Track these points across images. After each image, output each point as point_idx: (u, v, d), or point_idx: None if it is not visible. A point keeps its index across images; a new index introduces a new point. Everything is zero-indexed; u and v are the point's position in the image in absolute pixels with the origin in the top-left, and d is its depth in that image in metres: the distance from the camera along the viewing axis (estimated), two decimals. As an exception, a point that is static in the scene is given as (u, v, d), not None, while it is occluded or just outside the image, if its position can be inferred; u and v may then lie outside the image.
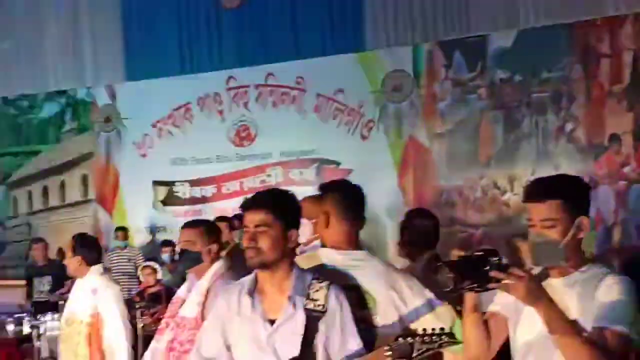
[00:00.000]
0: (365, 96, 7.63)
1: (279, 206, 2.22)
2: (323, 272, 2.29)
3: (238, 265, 3.51)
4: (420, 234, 3.46)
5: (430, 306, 2.32)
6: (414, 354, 1.91)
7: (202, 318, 3.16)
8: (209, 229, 3.36)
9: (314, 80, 7.87)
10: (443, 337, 1.93)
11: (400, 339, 1.95)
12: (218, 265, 3.31)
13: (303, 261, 2.41)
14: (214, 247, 3.32)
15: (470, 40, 7.18)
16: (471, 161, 7.18)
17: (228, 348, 2.25)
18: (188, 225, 3.39)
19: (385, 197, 6.96)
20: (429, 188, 7.34)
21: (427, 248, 3.42)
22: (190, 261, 3.30)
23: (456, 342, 1.96)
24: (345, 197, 2.46)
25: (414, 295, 2.33)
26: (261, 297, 2.22)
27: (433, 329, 1.97)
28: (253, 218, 2.19)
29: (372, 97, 7.61)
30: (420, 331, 1.99)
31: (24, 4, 9.31)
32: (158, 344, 3.31)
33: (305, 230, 3.68)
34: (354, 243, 2.44)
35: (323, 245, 2.56)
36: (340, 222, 2.42)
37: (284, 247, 2.20)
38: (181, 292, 3.41)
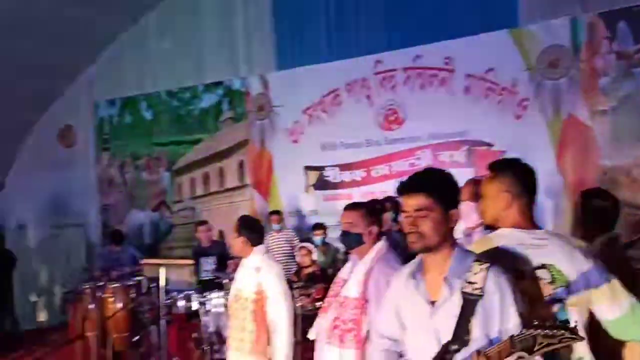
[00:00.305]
0: (519, 74, 7.31)
1: (438, 188, 2.19)
2: (492, 255, 2.24)
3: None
4: (597, 215, 3.28)
5: (607, 280, 2.23)
6: (536, 348, 1.82)
7: (364, 298, 3.24)
8: (370, 211, 3.41)
9: (463, 60, 7.66)
10: (564, 332, 1.81)
11: (524, 330, 1.87)
12: (379, 247, 3.36)
13: (476, 246, 2.37)
14: (375, 228, 3.37)
15: (637, 9, 6.63)
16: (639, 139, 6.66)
17: (403, 327, 2.30)
18: (350, 207, 3.46)
19: (543, 178, 6.61)
20: (590, 168, 6.89)
21: (605, 229, 3.24)
22: (352, 242, 3.38)
23: (576, 339, 1.83)
24: (522, 176, 2.40)
25: (596, 270, 2.25)
26: (425, 279, 2.23)
27: (561, 322, 1.86)
28: (412, 202, 2.17)
29: (527, 74, 7.26)
30: (547, 323, 1.88)
31: (182, 4, 9.93)
32: (322, 322, 3.44)
33: (468, 213, 3.64)
34: (533, 222, 2.37)
35: (489, 227, 2.51)
36: (520, 201, 2.36)
37: (446, 229, 2.19)
38: (343, 272, 3.50)
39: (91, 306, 7.19)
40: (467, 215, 3.65)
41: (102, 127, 10.81)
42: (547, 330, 1.80)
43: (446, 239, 2.19)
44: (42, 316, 11.02)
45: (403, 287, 2.30)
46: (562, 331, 1.79)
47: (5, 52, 8.56)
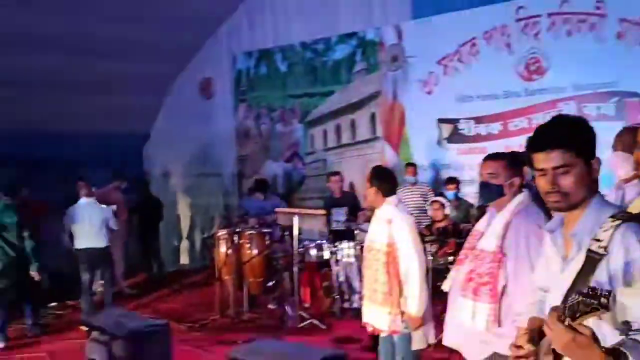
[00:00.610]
0: (682, 17, 6.61)
1: (576, 140, 1.97)
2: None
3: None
4: None
5: None
6: (577, 315, 1.62)
7: (502, 252, 3.13)
8: (512, 161, 3.25)
9: (617, 4, 7.03)
10: (594, 301, 1.59)
11: (573, 296, 1.67)
12: (519, 199, 3.21)
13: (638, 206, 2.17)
14: (517, 180, 3.22)
15: None
16: None
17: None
18: (491, 157, 3.33)
19: None
20: None
21: None
22: (491, 194, 3.24)
23: (598, 311, 1.59)
24: None
25: None
26: (563, 233, 2.08)
27: (603, 290, 1.62)
28: (549, 159, 1.96)
29: (692, 17, 6.56)
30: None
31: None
32: (457, 274, 3.36)
33: (621, 164, 3.37)
34: None
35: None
36: None
37: (590, 182, 1.99)
38: (480, 224, 3.39)
39: (229, 251, 7.54)
40: (620, 167, 3.38)
41: (239, 79, 11.09)
42: (584, 298, 1.62)
43: (590, 192, 2.01)
44: (184, 259, 11.76)
45: (545, 241, 2.21)
46: (593, 300, 1.60)
47: (150, 5, 8.98)
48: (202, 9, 9.81)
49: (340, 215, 7.71)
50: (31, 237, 6.89)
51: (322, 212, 7.83)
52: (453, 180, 7.77)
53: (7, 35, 8.20)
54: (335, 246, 7.18)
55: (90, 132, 9.60)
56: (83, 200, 7.49)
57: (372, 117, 9.44)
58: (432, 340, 4.29)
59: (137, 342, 4.89)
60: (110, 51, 9.26)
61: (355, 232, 7.25)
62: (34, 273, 6.89)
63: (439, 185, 8.34)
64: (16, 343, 6.80)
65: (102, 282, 7.82)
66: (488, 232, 3.25)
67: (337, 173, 8.17)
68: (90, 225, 7.39)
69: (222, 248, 7.63)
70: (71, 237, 7.46)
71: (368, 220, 7.21)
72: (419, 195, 7.92)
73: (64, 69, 9.12)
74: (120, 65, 9.54)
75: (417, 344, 4.21)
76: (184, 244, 11.79)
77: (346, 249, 7.12)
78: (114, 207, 8.03)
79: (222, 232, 7.83)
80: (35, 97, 9.12)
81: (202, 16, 10.16)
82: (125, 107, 10.23)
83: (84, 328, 5.54)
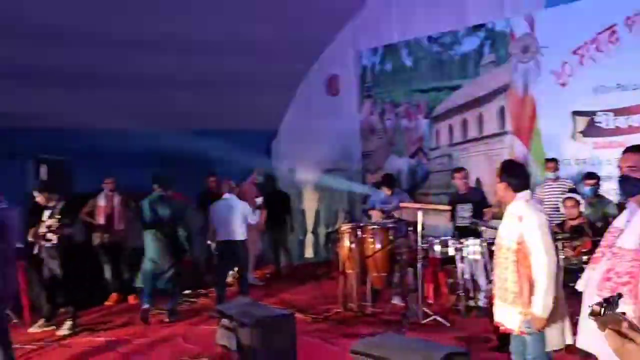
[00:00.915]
0: None
1: None
2: None
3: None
4: None
5: None
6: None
7: (644, 250, 2.92)
8: (656, 153, 3.03)
9: None
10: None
11: None
12: (662, 194, 2.98)
13: None
14: (661, 174, 2.99)
15: None
16: None
17: None
18: (633, 149, 3.13)
19: None
20: None
21: None
22: (632, 188, 3.04)
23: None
24: None
25: None
26: None
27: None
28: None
29: None
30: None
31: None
32: (593, 273, 3.18)
33: None
34: None
35: None
36: None
37: None
38: (619, 221, 3.20)
39: (352, 245, 7.58)
40: None
41: (364, 76, 11.13)
42: (595, 306, 1.55)
43: None
44: (309, 253, 11.99)
45: None
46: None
47: (279, 5, 9.22)
48: (328, 7, 9.94)
49: (465, 211, 7.53)
50: (183, 227, 7.37)
51: (447, 207, 7.68)
52: (593, 176, 7.32)
53: (154, 40, 8.75)
54: (460, 243, 7.02)
55: (222, 129, 9.99)
56: (226, 196, 7.84)
57: (501, 110, 9.13)
58: (569, 340, 4.06)
59: (263, 330, 5.06)
60: (241, 51, 9.61)
61: (482, 228, 7.04)
62: (187, 257, 7.36)
63: (575, 181, 7.92)
64: (154, 327, 7.25)
65: (236, 272, 8.14)
66: (628, 229, 3.05)
67: (461, 169, 7.97)
68: (231, 219, 7.72)
69: (346, 242, 7.68)
70: (213, 231, 7.86)
71: (495, 217, 7.00)
72: (560, 192, 7.50)
73: (201, 69, 9.58)
74: (251, 64, 9.88)
75: (553, 344, 4.01)
76: (309, 238, 12.02)
77: (472, 245, 6.93)
78: (260, 199, 8.33)
79: (345, 227, 7.89)
80: (177, 96, 9.67)
81: (329, 14, 10.30)
82: (255, 104, 10.57)
83: (216, 315, 5.82)
